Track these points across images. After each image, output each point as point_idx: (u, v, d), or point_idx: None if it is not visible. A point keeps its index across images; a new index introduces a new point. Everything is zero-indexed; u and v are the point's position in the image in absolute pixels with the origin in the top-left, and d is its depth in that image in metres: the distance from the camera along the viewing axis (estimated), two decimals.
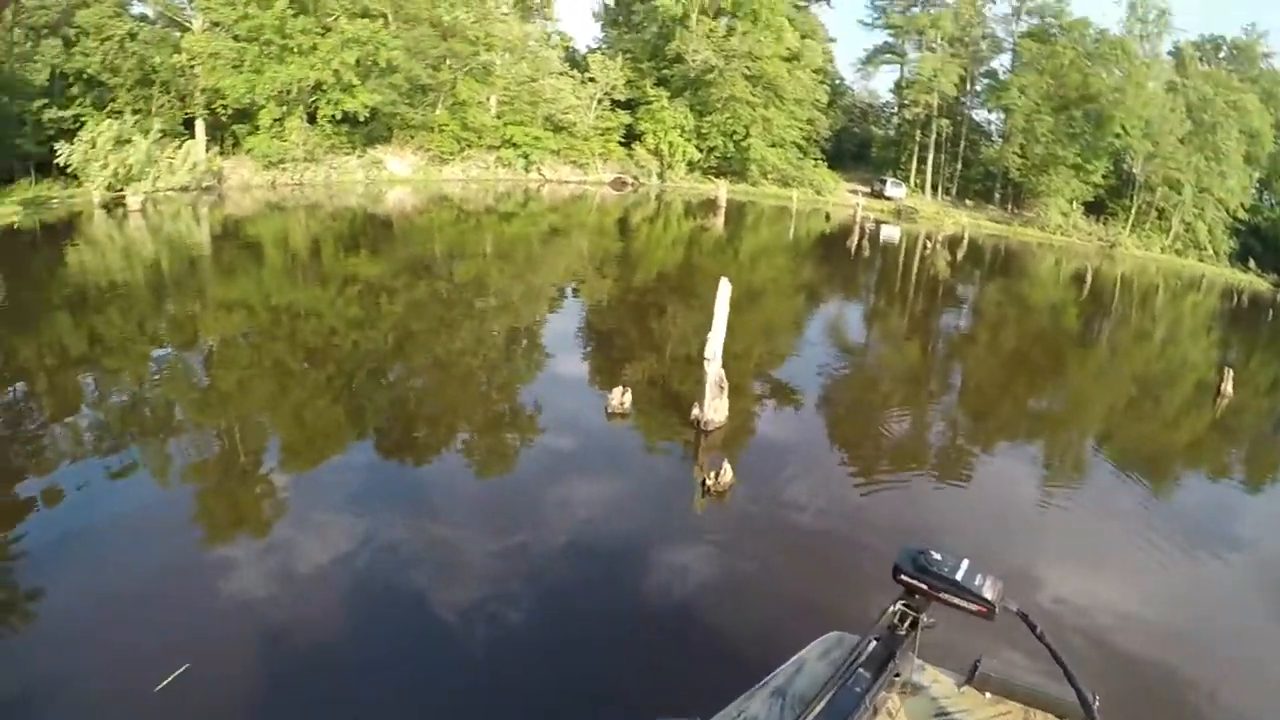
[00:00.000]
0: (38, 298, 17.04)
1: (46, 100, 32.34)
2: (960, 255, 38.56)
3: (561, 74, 47.53)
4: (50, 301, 16.78)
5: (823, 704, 1.63)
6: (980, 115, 59.12)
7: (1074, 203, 50.79)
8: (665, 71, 50.21)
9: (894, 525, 9.15)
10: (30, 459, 9.23)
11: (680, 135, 49.29)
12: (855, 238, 38.38)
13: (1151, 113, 47.87)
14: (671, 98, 49.35)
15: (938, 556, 1.76)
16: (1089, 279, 37.42)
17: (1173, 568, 9.07)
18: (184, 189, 31.75)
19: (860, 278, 29.88)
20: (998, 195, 55.71)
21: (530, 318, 18.37)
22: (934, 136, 55.38)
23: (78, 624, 6.25)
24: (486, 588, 7.14)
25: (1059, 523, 10.06)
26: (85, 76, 33.92)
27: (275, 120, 36.19)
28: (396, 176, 41.83)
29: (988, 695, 1.90)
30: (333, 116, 37.75)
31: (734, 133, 49.78)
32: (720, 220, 39.55)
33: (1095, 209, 51.72)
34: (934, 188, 56.89)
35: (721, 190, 45.90)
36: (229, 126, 37.22)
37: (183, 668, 5.61)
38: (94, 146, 27.63)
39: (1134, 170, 50.67)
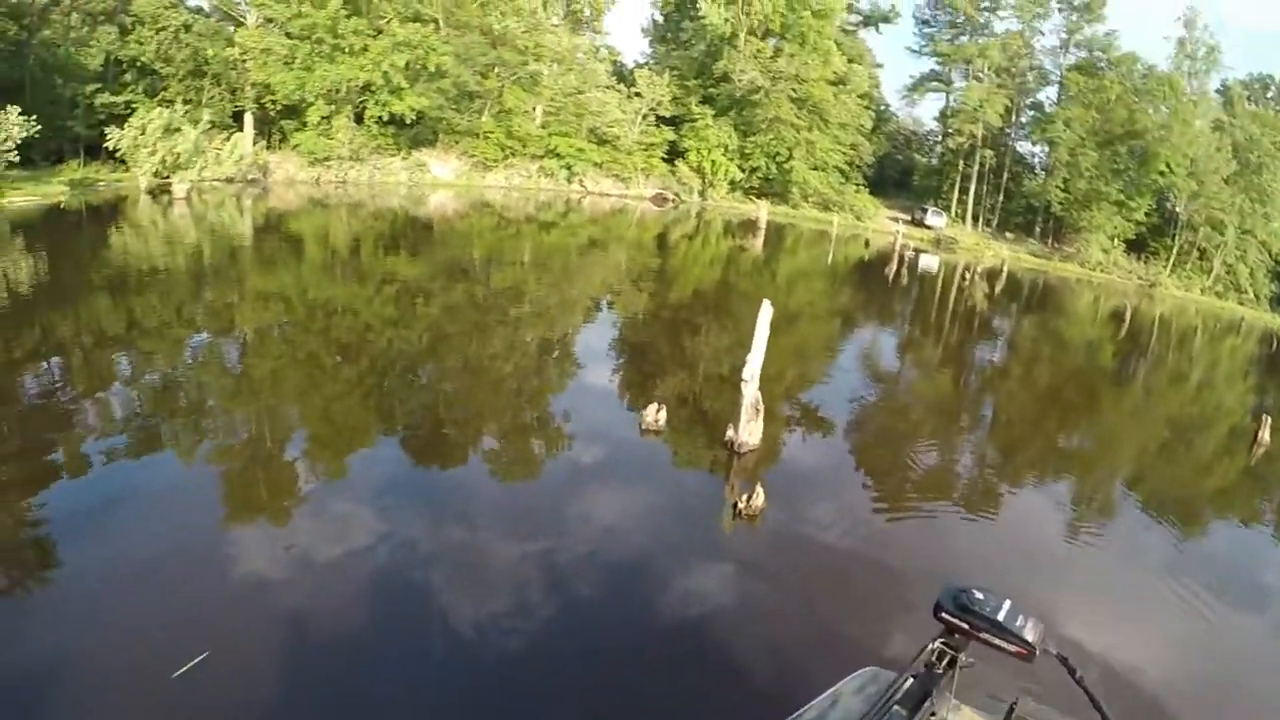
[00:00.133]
0: (79, 278, 17.43)
1: (100, 85, 33.42)
2: (998, 288, 38.04)
3: (608, 88, 47.92)
4: (91, 282, 17.17)
5: None
6: (1024, 147, 58.53)
7: (1115, 239, 49.97)
8: (711, 90, 50.31)
9: (924, 557, 8.97)
10: (61, 432, 9.36)
11: (723, 154, 49.33)
12: (894, 265, 38.04)
13: (1197, 151, 46.92)
14: (716, 116, 49.41)
15: (980, 596, 1.72)
16: (1127, 318, 36.72)
17: (1201, 615, 8.75)
18: (229, 180, 32.50)
19: (897, 306, 29.58)
20: (1038, 229, 54.94)
21: (565, 328, 18.35)
22: (977, 167, 54.89)
23: (99, 602, 6.28)
24: (506, 593, 7.06)
25: (1086, 562, 9.82)
26: (139, 64, 34.99)
27: (323, 118, 36.96)
28: (439, 180, 42.39)
29: None
30: (379, 118, 38.45)
31: (777, 154, 49.69)
32: (759, 241, 39.43)
33: (1136, 247, 50.87)
34: (975, 218, 56.28)
35: (762, 211, 45.82)
36: (277, 121, 38.10)
37: (202, 655, 5.58)
38: (144, 133, 28.44)
39: (1177, 209, 49.74)
